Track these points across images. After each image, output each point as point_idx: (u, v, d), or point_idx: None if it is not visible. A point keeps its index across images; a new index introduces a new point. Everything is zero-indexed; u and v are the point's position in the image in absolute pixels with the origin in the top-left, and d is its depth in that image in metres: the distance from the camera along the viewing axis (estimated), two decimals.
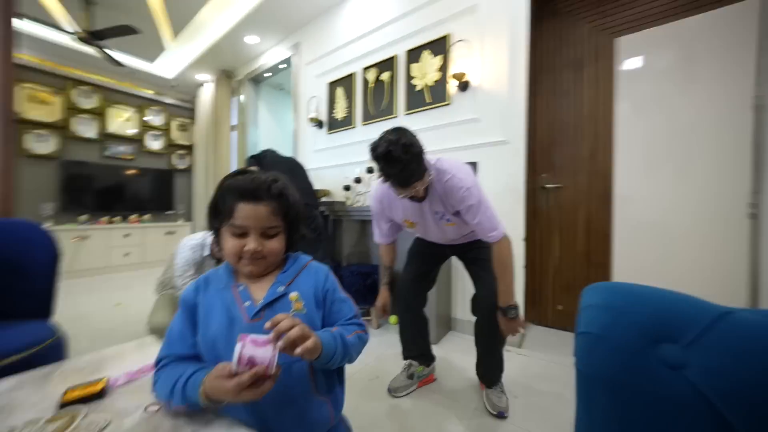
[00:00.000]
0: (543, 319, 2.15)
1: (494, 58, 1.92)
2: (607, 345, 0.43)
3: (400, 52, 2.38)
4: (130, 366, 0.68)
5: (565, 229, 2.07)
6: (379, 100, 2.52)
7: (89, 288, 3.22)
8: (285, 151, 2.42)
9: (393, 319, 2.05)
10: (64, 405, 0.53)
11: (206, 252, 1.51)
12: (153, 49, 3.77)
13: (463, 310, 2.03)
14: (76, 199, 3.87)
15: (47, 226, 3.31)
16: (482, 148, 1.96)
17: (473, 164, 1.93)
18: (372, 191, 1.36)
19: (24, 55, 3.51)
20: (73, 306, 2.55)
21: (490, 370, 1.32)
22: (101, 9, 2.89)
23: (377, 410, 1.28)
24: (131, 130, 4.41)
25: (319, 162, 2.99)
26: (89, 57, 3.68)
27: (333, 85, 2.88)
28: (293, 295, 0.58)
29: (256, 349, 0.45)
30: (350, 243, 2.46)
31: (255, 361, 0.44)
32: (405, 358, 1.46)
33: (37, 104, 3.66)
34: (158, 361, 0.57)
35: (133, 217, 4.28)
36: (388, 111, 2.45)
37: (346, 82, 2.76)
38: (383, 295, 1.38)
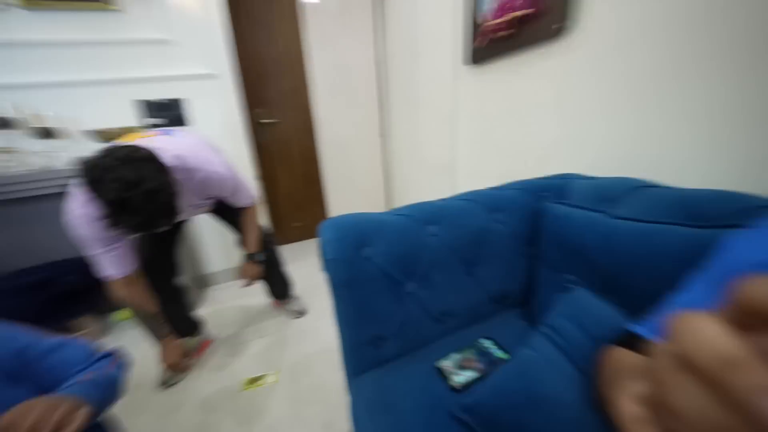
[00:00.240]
0: (287, 238, 2.55)
1: None
2: (340, 260, 0.69)
3: None
4: None
5: (285, 158, 2.36)
6: None
7: None
8: None
9: (122, 315, 1.65)
10: None
11: None
12: None
13: (218, 262, 2.01)
14: None
15: None
16: (187, 81, 1.68)
17: (177, 101, 1.68)
18: (71, 214, 0.87)
19: None
20: None
21: (282, 287, 1.59)
22: None
23: (187, 412, 1.17)
24: None
25: None
26: None
27: None
28: None
29: None
30: None
31: None
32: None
33: None
34: None
35: None
36: None
37: None
38: (172, 347, 1.17)
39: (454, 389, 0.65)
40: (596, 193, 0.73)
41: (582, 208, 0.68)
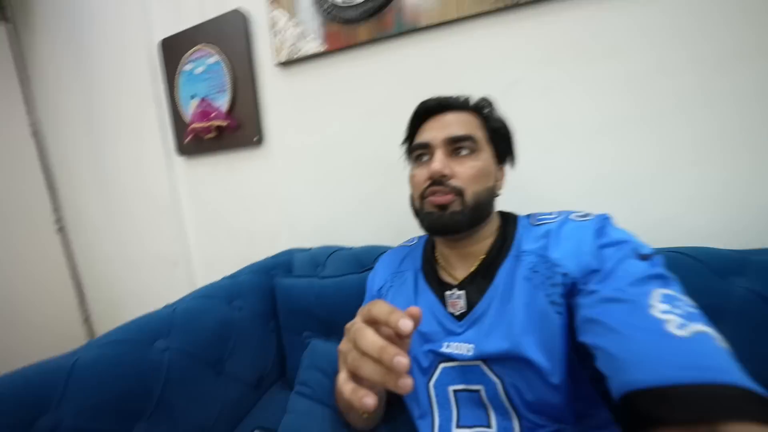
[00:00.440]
0: None
1: None
2: None
3: None
4: None
5: None
6: None
7: None
8: None
9: None
10: None
11: None
12: None
13: None
14: None
15: None
16: None
17: None
18: None
19: None
20: None
21: None
22: None
23: None
24: None
25: None
26: None
27: None
28: None
29: None
30: None
31: None
32: None
33: None
34: None
35: None
36: None
37: None
38: None
39: None
40: (311, 261, 0.94)
41: (301, 276, 0.86)
